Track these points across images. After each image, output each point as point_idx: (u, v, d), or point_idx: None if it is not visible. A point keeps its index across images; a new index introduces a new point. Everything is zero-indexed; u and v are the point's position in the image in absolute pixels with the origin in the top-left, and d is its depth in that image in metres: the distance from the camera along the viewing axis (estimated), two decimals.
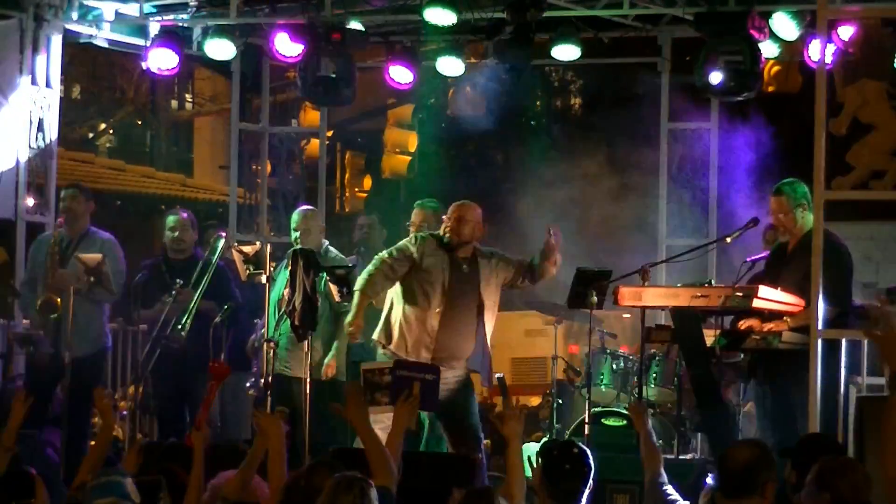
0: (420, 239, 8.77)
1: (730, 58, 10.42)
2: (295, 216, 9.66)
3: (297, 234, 9.47)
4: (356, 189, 20.38)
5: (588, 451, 5.80)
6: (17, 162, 10.94)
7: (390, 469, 5.81)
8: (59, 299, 9.46)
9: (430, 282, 8.62)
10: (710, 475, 6.48)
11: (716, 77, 10.25)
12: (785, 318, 8.15)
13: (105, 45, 11.87)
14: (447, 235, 8.67)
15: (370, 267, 8.72)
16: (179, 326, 9.38)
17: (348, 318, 8.65)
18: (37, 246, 10.02)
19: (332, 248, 9.66)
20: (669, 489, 6.27)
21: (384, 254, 8.77)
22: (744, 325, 8.37)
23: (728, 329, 8.47)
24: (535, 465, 5.82)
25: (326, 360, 9.30)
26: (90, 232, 9.83)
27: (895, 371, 3.68)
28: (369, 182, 20.16)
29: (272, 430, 6.17)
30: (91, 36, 11.63)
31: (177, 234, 9.87)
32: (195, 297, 9.46)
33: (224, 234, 9.94)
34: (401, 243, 8.82)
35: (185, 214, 10.05)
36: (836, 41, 9.07)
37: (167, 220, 10.04)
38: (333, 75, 11.08)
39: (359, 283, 8.66)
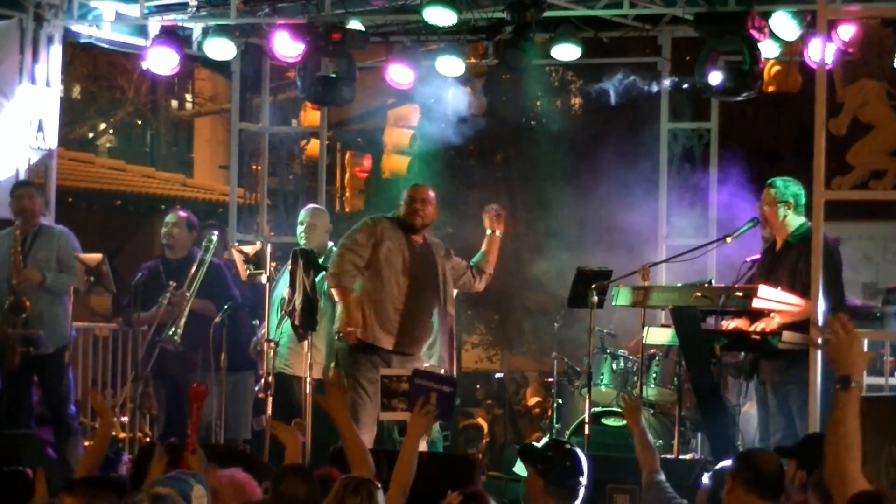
0: (374, 221, 8.78)
1: (730, 58, 10.42)
2: (303, 212, 9.71)
3: (303, 227, 9.49)
4: (356, 189, 20.37)
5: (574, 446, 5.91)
6: (17, 162, 10.93)
7: (368, 465, 5.81)
8: (27, 300, 9.48)
9: (392, 263, 8.62)
10: (704, 474, 6.48)
11: (716, 77, 10.25)
12: (772, 314, 8.14)
13: (105, 44, 11.86)
14: (412, 218, 8.71)
15: (336, 260, 8.63)
16: (171, 332, 9.39)
17: (341, 319, 8.59)
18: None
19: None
20: (668, 486, 6.30)
21: (345, 242, 8.70)
22: (731, 325, 8.38)
23: (728, 329, 8.47)
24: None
25: (332, 365, 9.28)
26: (44, 227, 9.84)
27: (841, 375, 3.90)
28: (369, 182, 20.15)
29: (289, 441, 6.16)
30: (91, 36, 11.62)
31: (167, 229, 9.93)
32: (188, 300, 9.48)
33: (217, 234, 9.95)
34: (356, 229, 8.76)
35: (182, 213, 10.09)
36: (836, 41, 9.08)
37: (165, 219, 10.09)
38: (333, 75, 11.07)
39: (335, 280, 8.58)
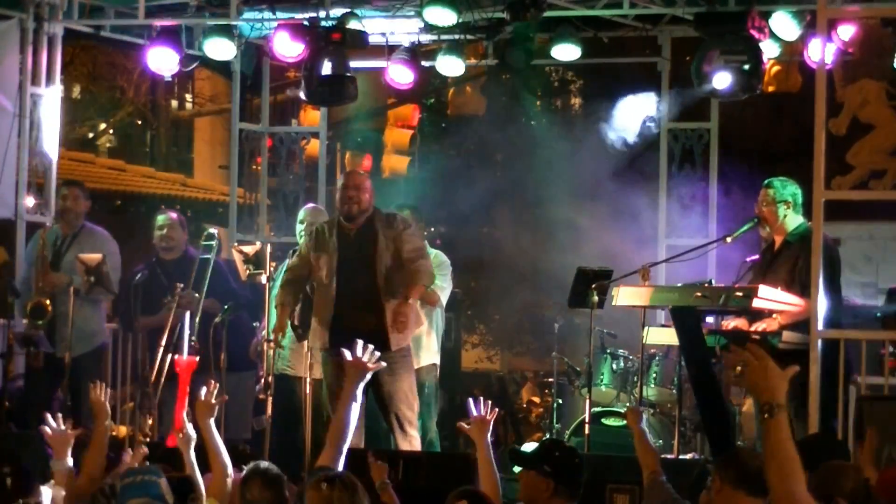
0: (311, 233, 8.71)
1: (728, 57, 10.42)
2: (302, 211, 9.70)
3: (303, 226, 9.48)
4: None
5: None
6: (18, 162, 10.93)
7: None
8: (48, 303, 9.45)
9: (322, 266, 8.47)
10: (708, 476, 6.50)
11: (722, 80, 10.22)
12: (774, 315, 8.15)
13: (107, 40, 11.84)
14: (344, 206, 8.52)
15: (281, 279, 8.74)
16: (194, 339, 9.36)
17: (272, 327, 8.63)
18: (32, 244, 10.01)
19: None
20: (670, 486, 6.30)
21: (288, 261, 8.81)
22: (729, 325, 8.38)
23: (728, 329, 8.47)
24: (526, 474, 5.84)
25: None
26: (86, 227, 9.83)
27: (764, 402, 3.84)
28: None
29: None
30: (96, 27, 11.63)
31: (165, 231, 9.87)
32: (198, 301, 9.43)
33: (216, 229, 9.93)
34: (297, 248, 8.84)
35: (173, 215, 10.06)
36: (836, 41, 9.08)
37: (156, 220, 10.03)
38: (335, 72, 11.02)
39: (276, 298, 8.67)
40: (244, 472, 5.69)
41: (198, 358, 8.86)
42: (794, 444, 3.82)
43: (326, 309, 8.43)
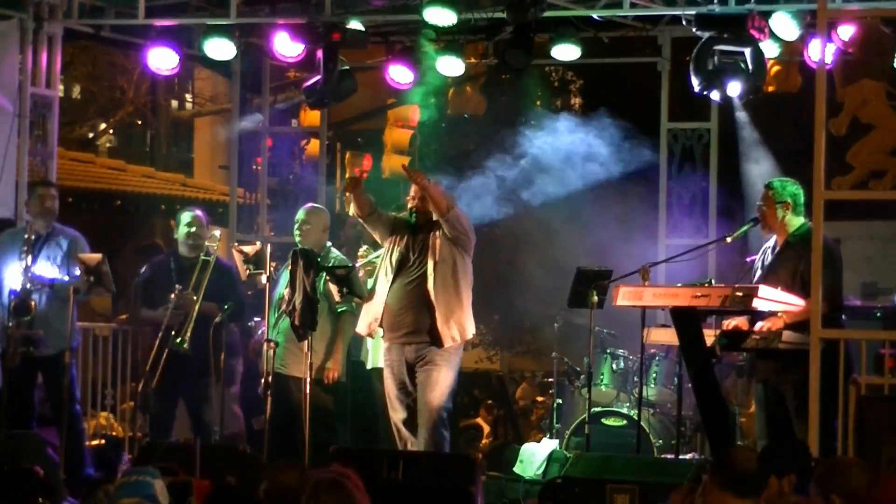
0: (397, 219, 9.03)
1: (728, 58, 10.42)
2: (300, 211, 9.69)
3: (298, 225, 9.48)
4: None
5: None
6: (18, 162, 10.93)
7: None
8: (33, 301, 9.45)
9: (386, 261, 8.87)
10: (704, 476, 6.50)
11: (727, 83, 10.21)
12: (780, 313, 8.15)
13: (107, 40, 11.84)
14: (408, 207, 8.91)
15: None
16: (178, 341, 9.33)
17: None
18: (6, 242, 9.94)
19: (333, 249, 9.66)
20: None
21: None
22: (730, 324, 8.39)
23: (728, 329, 8.47)
24: None
25: (328, 364, 9.29)
26: (56, 228, 9.78)
27: None
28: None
29: None
30: (96, 27, 11.63)
31: (194, 230, 9.78)
32: (195, 304, 9.41)
33: (219, 230, 9.91)
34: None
35: (199, 213, 9.98)
36: (836, 41, 9.09)
37: (182, 216, 9.88)
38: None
39: None
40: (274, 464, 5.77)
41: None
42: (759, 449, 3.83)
43: (380, 299, 8.77)
